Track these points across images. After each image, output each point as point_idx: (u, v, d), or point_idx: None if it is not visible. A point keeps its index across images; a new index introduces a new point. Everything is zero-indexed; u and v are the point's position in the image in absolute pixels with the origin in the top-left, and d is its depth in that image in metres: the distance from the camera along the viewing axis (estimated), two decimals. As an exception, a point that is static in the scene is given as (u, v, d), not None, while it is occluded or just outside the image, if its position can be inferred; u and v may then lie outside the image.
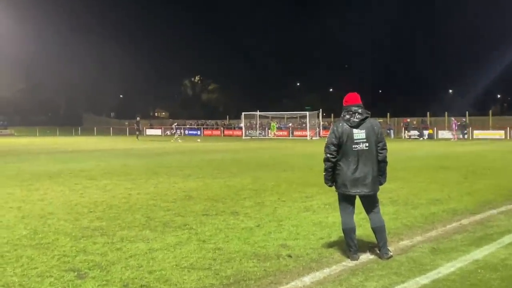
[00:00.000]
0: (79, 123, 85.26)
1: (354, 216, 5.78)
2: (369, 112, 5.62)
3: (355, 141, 5.49)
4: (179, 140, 43.47)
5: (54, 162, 19.03)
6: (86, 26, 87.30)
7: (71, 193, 10.52)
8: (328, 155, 5.60)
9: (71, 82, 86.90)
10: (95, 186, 11.58)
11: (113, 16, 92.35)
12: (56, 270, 5.18)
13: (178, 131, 49.52)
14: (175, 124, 53.97)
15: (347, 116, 5.59)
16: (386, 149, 5.63)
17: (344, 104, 5.69)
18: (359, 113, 5.54)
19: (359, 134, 5.50)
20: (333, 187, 5.80)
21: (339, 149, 5.56)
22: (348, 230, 5.64)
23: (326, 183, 5.82)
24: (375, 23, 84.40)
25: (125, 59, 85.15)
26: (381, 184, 5.73)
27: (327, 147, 5.61)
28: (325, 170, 5.71)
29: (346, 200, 5.70)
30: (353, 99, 5.66)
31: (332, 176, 5.70)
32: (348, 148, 5.51)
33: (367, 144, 5.50)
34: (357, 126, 5.52)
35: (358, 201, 5.77)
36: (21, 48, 77.24)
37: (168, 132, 53.18)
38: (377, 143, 5.55)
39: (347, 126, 5.54)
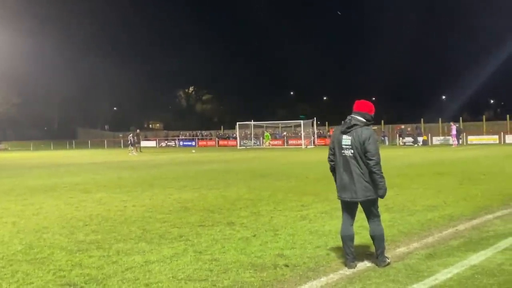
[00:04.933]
0: (73, 136, 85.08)
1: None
2: (362, 120, 5.56)
3: (343, 146, 5.57)
4: (134, 153, 40.30)
5: (49, 176, 18.95)
6: (79, 40, 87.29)
7: (66, 207, 10.47)
8: (328, 158, 5.85)
9: (65, 96, 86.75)
10: (90, 199, 11.54)
11: (105, 29, 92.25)
12: (52, 285, 5.14)
13: (131, 143, 42.67)
14: (130, 135, 44.18)
15: (343, 122, 5.72)
16: (373, 159, 5.42)
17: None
18: (350, 120, 5.59)
19: (346, 140, 5.56)
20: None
21: (334, 153, 5.71)
22: (345, 238, 5.64)
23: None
24: (368, 33, 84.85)
25: (118, 71, 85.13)
26: (380, 196, 5.55)
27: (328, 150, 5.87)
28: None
29: (343, 206, 5.74)
30: (357, 107, 5.72)
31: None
32: (338, 153, 5.62)
33: (352, 151, 5.50)
34: (345, 132, 5.58)
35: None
36: (14, 62, 77.03)
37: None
38: (364, 152, 5.45)
39: (339, 131, 5.66)
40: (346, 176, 5.53)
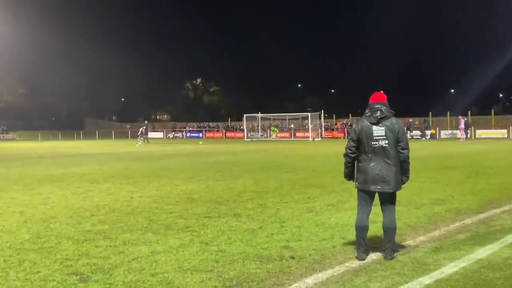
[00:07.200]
0: (81, 127, 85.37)
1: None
2: (392, 111, 5.65)
3: (374, 137, 5.54)
4: (140, 144, 40.35)
5: (56, 166, 19.03)
6: (87, 30, 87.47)
7: (73, 197, 10.52)
8: (347, 150, 5.74)
9: (73, 86, 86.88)
10: (97, 190, 11.58)
11: (114, 20, 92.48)
12: (59, 274, 5.17)
13: (141, 135, 42.87)
14: (143, 126, 44.42)
15: (369, 113, 5.67)
16: (407, 149, 5.59)
17: (369, 102, 5.77)
18: (380, 111, 5.58)
19: (378, 131, 5.54)
20: (351, 184, 5.88)
21: (359, 145, 5.64)
22: (360, 228, 5.65)
23: (345, 177, 5.94)
24: (376, 26, 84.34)
25: (126, 62, 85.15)
26: (403, 182, 5.73)
27: (348, 142, 5.77)
28: (344, 164, 5.85)
29: (364, 197, 5.72)
30: (377, 98, 5.73)
31: (351, 171, 5.82)
32: (367, 145, 5.57)
33: (386, 142, 5.51)
34: (377, 123, 5.56)
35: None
36: (22, 52, 77.31)
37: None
38: (398, 142, 5.54)
39: (367, 122, 5.61)
40: (378, 168, 5.51)
